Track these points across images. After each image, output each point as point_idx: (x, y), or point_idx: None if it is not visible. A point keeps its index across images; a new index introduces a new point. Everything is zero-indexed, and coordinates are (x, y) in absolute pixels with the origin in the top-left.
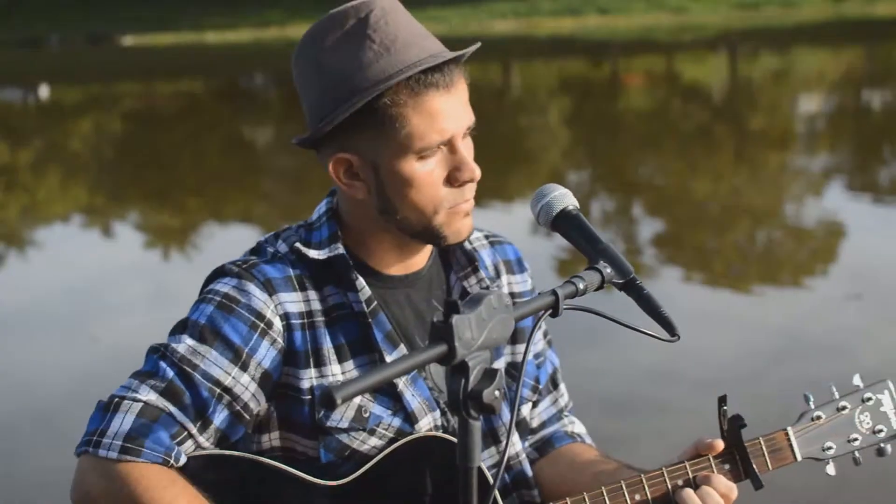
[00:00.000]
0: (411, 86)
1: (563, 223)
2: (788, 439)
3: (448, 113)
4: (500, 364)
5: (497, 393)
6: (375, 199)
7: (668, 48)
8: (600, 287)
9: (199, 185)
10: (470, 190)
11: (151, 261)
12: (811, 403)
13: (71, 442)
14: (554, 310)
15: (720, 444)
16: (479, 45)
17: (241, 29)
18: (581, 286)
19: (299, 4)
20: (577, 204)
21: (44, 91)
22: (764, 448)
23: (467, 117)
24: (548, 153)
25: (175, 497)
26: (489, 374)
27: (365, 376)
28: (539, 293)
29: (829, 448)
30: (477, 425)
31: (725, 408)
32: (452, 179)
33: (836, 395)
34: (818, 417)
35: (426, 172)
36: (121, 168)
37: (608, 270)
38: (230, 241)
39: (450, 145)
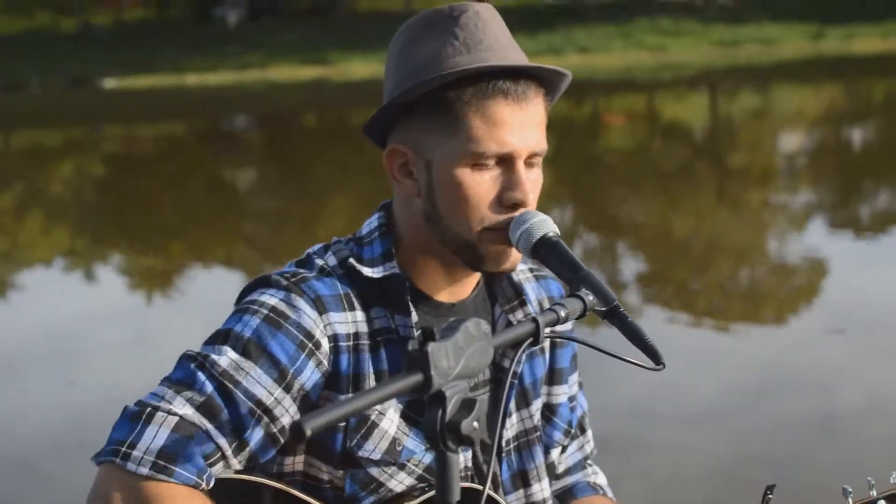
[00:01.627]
0: (480, 87)
1: (543, 250)
2: None
3: (512, 127)
4: (536, 405)
5: (476, 424)
6: (424, 203)
7: (648, 87)
8: (582, 315)
9: (181, 228)
10: None
11: (134, 304)
12: (850, 500)
13: (53, 486)
14: (535, 338)
15: None
16: (569, 74)
17: (221, 71)
18: (563, 314)
19: (280, 47)
20: (557, 230)
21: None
22: None
23: (535, 141)
24: None
25: None
26: (467, 405)
27: (336, 406)
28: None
29: None
30: (456, 458)
31: (771, 496)
32: (504, 199)
33: (874, 494)
34: None
35: (477, 183)
36: (102, 211)
37: (590, 298)
38: (213, 283)
39: (508, 163)
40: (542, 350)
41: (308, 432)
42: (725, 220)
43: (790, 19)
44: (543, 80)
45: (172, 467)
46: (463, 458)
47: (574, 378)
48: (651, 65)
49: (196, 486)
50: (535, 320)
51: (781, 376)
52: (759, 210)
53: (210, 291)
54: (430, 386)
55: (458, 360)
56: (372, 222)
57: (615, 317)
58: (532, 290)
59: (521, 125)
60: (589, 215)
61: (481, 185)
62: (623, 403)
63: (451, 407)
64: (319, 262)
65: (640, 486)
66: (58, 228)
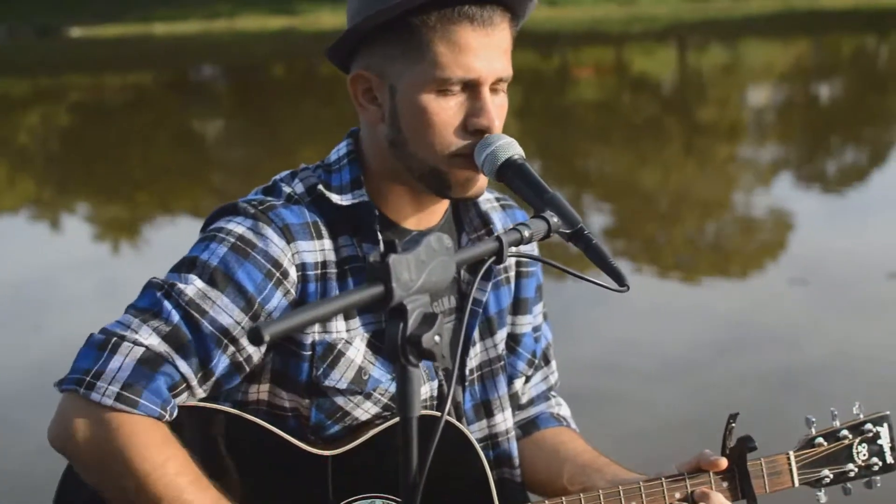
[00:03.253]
0: (445, 13)
1: (508, 172)
2: (789, 463)
3: (478, 52)
4: (501, 335)
5: (437, 338)
6: (388, 129)
7: (617, 40)
8: (546, 236)
9: (149, 179)
10: None
11: (100, 254)
12: (813, 429)
13: (10, 442)
14: (498, 256)
15: (724, 463)
16: (535, 1)
17: (189, 21)
18: (526, 234)
19: None
20: (522, 153)
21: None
22: (764, 470)
23: (501, 67)
24: None
25: (166, 459)
26: (429, 319)
27: (295, 313)
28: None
29: (826, 477)
30: (417, 373)
31: (734, 425)
32: (468, 125)
33: (838, 424)
34: (819, 444)
35: (442, 109)
36: (69, 161)
37: (555, 220)
38: (179, 234)
39: (474, 88)
40: (508, 280)
41: (266, 337)
42: (693, 174)
43: None
44: (509, 5)
45: (137, 399)
46: (428, 389)
47: (539, 308)
48: (620, 17)
49: (160, 418)
50: (498, 238)
51: (746, 330)
52: (726, 164)
53: (177, 242)
54: (391, 297)
55: (420, 273)
56: (340, 149)
57: (580, 239)
58: (499, 220)
59: (486, 50)
60: (557, 169)
61: (446, 110)
62: (589, 357)
63: (412, 320)
64: (287, 189)
65: (607, 440)
66: (23, 178)
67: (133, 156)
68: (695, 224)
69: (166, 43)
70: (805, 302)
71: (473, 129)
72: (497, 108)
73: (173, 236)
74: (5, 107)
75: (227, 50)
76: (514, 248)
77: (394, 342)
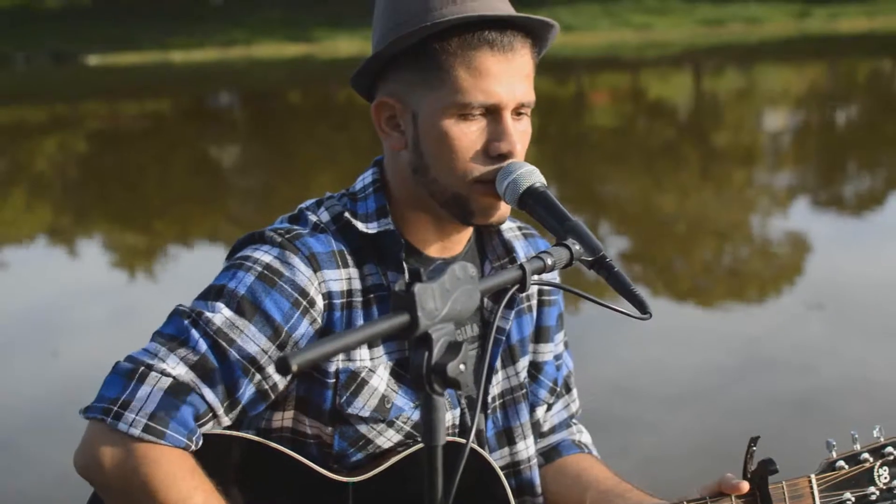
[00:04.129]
0: (465, 38)
1: (530, 200)
2: (811, 487)
3: (498, 77)
4: (523, 363)
5: (462, 367)
6: (411, 155)
7: (632, 65)
8: (569, 264)
9: (165, 206)
10: None
11: (117, 281)
12: (833, 452)
13: (28, 467)
14: (521, 284)
15: (745, 486)
16: (557, 25)
17: (206, 48)
18: (549, 262)
19: (264, 24)
20: (544, 181)
21: None
22: (786, 493)
23: (522, 92)
24: None
25: (192, 490)
26: (454, 347)
27: (322, 343)
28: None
29: (848, 500)
30: (441, 401)
31: (755, 448)
32: (490, 150)
33: (858, 447)
34: (840, 467)
35: (463, 134)
36: (86, 188)
37: (577, 247)
38: (196, 261)
39: (495, 113)
40: (530, 308)
41: (294, 367)
42: (709, 198)
43: None
44: (530, 31)
45: (163, 429)
46: (451, 416)
47: (560, 337)
48: (636, 43)
49: (186, 448)
50: (521, 267)
51: (762, 355)
52: (742, 189)
53: (193, 269)
54: (416, 327)
55: (445, 301)
56: (366, 178)
57: (602, 266)
58: (521, 248)
59: (507, 76)
60: (573, 194)
61: (468, 135)
62: (605, 382)
63: (437, 349)
64: (313, 217)
65: (622, 465)
66: (41, 205)
67: (150, 183)
68: (711, 248)
69: (183, 70)
70: (822, 326)
71: (495, 154)
72: (519, 133)
73: (190, 263)
74: (23, 134)
75: (244, 77)
76: (536, 277)
77: (419, 371)
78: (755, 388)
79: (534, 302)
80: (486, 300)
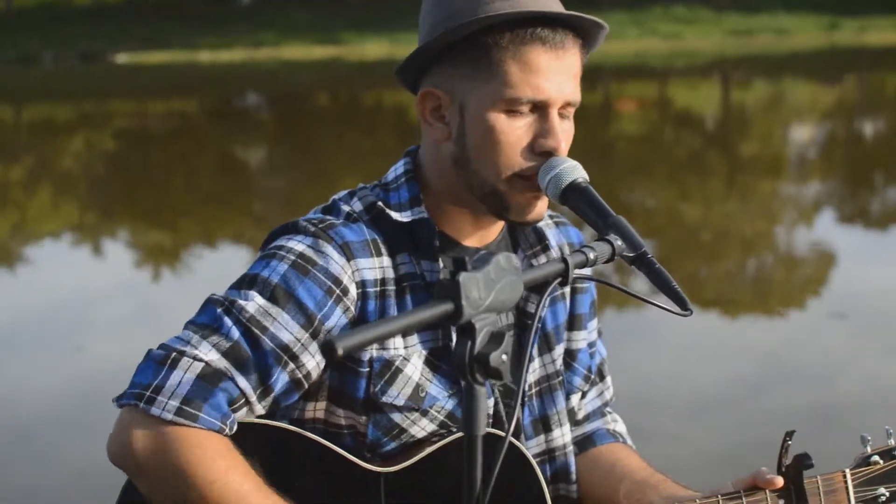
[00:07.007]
0: (518, 33)
1: (572, 196)
2: (845, 481)
3: (548, 74)
4: (558, 350)
5: (504, 357)
6: (454, 147)
7: (660, 74)
8: (611, 259)
9: (191, 205)
10: None
11: (141, 280)
12: (868, 447)
13: (48, 461)
14: (564, 277)
15: (780, 481)
16: (606, 27)
17: (234, 49)
18: (591, 256)
19: (293, 26)
20: (586, 176)
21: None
22: (820, 488)
23: (570, 90)
24: None
25: (227, 469)
26: (496, 338)
27: (367, 328)
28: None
29: (882, 495)
30: (482, 391)
31: (790, 443)
32: (536, 146)
33: (893, 443)
34: (875, 462)
35: (511, 129)
36: (112, 186)
37: (619, 243)
38: (220, 260)
39: (542, 110)
40: (563, 296)
41: (340, 351)
42: (735, 209)
43: (804, 10)
44: (580, 31)
45: (197, 413)
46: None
47: (593, 324)
48: (664, 52)
49: (220, 432)
50: (564, 260)
51: (783, 365)
52: (768, 200)
53: (217, 269)
54: (460, 315)
55: (490, 291)
56: (398, 168)
57: (643, 263)
58: (553, 237)
59: (557, 73)
60: None
61: (515, 130)
62: (625, 392)
63: (480, 339)
64: (346, 208)
65: None
66: (67, 202)
67: (176, 182)
68: (736, 259)
69: (211, 70)
70: (843, 336)
71: (540, 151)
72: (564, 132)
73: (214, 264)
74: (50, 131)
75: (272, 78)
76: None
77: (461, 360)
78: (774, 399)
79: (567, 289)
80: None
